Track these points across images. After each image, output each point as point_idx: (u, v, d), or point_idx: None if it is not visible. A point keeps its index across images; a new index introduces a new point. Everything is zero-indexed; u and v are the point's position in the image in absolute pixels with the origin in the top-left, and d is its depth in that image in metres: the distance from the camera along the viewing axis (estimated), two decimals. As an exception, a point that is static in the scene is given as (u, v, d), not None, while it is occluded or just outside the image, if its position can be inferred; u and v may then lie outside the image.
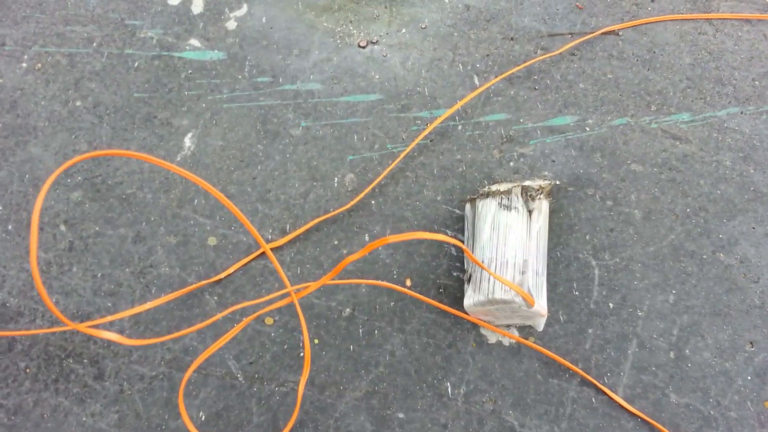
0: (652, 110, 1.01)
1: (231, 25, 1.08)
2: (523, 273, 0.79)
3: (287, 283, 0.77)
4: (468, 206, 0.90)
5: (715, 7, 1.12)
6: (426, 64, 1.05)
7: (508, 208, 0.84)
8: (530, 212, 0.84)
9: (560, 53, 1.06)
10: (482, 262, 0.81)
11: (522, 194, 0.85)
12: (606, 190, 0.95)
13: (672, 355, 0.85)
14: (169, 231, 0.92)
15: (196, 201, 0.94)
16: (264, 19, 1.09)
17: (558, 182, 0.96)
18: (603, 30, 1.07)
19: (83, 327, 0.65)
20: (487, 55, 1.06)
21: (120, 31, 1.06)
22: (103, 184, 0.95)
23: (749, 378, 0.84)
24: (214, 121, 1.00)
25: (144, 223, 0.92)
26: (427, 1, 1.11)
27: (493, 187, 0.89)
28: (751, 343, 0.86)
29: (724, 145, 0.99)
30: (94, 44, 1.05)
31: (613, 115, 1.01)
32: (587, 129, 1.00)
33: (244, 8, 1.09)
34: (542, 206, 0.85)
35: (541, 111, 1.01)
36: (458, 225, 0.93)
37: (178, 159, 0.97)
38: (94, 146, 0.97)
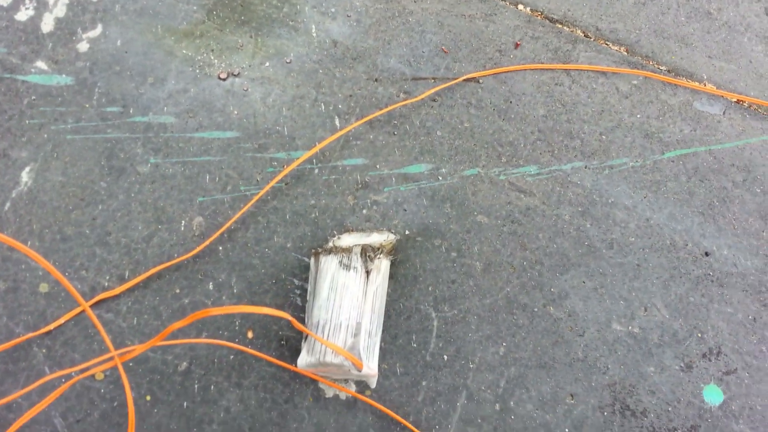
0: (502, 161, 1.04)
1: (83, 47, 1.01)
2: (355, 336, 0.80)
3: (111, 346, 0.74)
4: (312, 260, 0.89)
5: (575, 58, 1.15)
6: (288, 101, 1.03)
7: (348, 267, 0.84)
8: (368, 273, 0.84)
9: (422, 99, 1.06)
10: (318, 322, 0.81)
11: (362, 254, 0.85)
12: (452, 241, 0.98)
13: (497, 407, 0.89)
14: (-3, 275, 0.86)
15: (29, 242, 0.88)
16: (119, 42, 1.02)
17: (407, 233, 0.97)
18: (464, 77, 1.08)
19: None
20: (350, 96, 1.05)
21: (-45, 47, 0.97)
22: (-75, 221, 0.88)
23: (567, 430, 0.90)
24: (56, 154, 0.94)
25: (-30, 266, 0.86)
26: (295, 34, 1.08)
27: (337, 243, 0.89)
28: (572, 395, 0.91)
29: (565, 199, 1.03)
30: (-76, 60, 0.96)
31: (465, 164, 1.03)
32: (440, 178, 1.01)
33: (99, 29, 1.03)
34: (381, 266, 0.86)
35: (398, 157, 1.02)
36: (305, 274, 0.93)
37: (13, 195, 0.90)
38: None
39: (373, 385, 0.84)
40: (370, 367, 0.80)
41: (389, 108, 1.04)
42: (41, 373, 0.82)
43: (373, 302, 0.83)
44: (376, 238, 0.92)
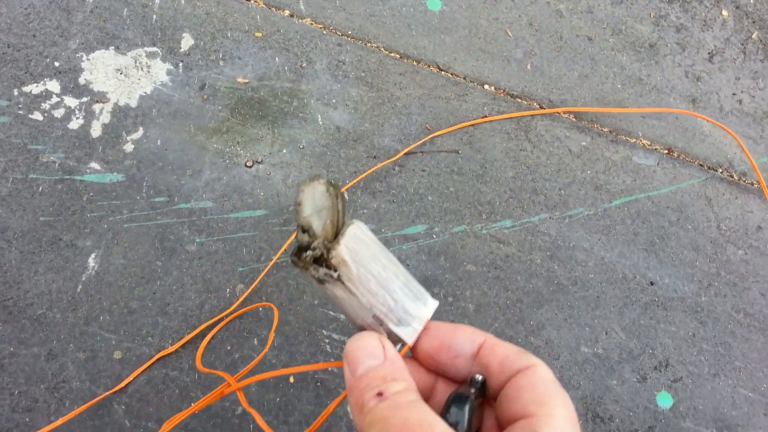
0: (483, 218, 1.22)
1: (128, 147, 1.16)
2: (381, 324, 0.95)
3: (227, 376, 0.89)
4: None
5: (534, 126, 1.34)
6: (303, 181, 1.19)
7: (322, 281, 0.96)
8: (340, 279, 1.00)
9: (413, 170, 1.23)
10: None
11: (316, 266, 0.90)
12: (448, 288, 1.14)
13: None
14: (78, 347, 1.00)
15: (101, 318, 1.02)
16: (159, 142, 1.17)
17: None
18: (446, 150, 1.26)
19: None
20: (354, 172, 1.22)
21: (23, 156, 1.11)
22: (15, 306, 1.01)
23: (551, 435, 1.06)
24: (116, 241, 1.08)
25: (55, 342, 1.00)
26: (304, 123, 1.25)
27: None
28: (553, 408, 1.08)
29: (535, 246, 1.21)
30: (-2, 169, 1.10)
31: (453, 223, 1.20)
32: (434, 236, 1.18)
33: (140, 131, 1.18)
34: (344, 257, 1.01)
35: (399, 221, 1.19)
36: (332, 325, 1.08)
37: (83, 278, 1.04)
38: (5, 270, 1.02)
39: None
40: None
41: (371, 170, 1.21)
42: (122, 427, 0.96)
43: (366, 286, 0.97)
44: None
